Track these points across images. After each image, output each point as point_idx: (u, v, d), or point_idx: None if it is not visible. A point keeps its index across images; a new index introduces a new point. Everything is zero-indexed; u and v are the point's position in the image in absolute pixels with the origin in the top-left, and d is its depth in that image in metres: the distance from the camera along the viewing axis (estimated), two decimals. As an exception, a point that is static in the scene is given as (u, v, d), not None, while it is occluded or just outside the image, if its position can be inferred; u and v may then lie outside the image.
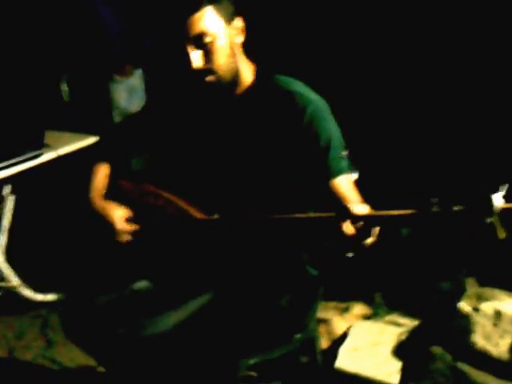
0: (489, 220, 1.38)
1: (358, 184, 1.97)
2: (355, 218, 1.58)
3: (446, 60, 3.31)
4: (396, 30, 3.38)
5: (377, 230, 1.59)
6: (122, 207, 2.13)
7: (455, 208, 1.42)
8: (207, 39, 1.85)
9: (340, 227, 1.59)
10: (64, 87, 3.90)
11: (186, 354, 1.96)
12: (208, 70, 1.88)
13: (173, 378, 1.99)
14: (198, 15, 1.84)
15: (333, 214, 1.63)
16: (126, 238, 2.10)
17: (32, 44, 3.72)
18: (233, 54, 1.91)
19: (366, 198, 1.85)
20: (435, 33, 3.29)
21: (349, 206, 1.60)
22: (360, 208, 1.60)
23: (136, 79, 3.85)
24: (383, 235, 1.60)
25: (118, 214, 2.11)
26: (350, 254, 1.63)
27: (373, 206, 1.66)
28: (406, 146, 3.43)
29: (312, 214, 1.76)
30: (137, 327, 1.95)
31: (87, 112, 3.81)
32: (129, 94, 3.81)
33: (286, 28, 3.60)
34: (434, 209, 1.44)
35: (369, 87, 3.48)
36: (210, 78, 1.89)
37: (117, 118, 3.79)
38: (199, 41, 1.85)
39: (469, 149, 3.26)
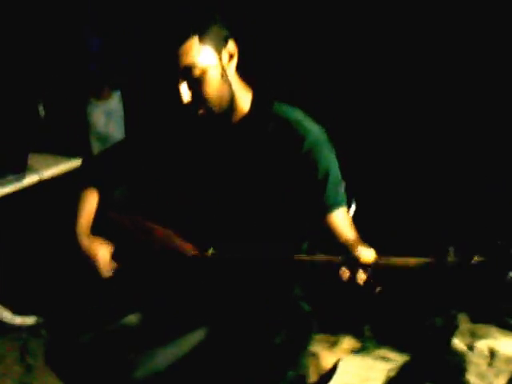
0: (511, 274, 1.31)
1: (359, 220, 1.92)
2: (362, 266, 1.51)
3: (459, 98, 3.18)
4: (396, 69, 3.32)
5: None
6: (109, 245, 2.04)
7: (475, 259, 1.35)
8: (196, 72, 1.78)
9: (345, 272, 1.53)
10: (41, 110, 3.82)
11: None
12: (199, 102, 1.82)
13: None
14: (185, 47, 1.77)
15: (337, 259, 1.56)
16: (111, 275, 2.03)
17: (11, 65, 3.65)
18: (225, 83, 1.85)
19: (366, 235, 1.81)
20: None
21: (356, 251, 1.53)
22: (366, 254, 1.54)
23: (114, 102, 3.74)
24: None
25: (104, 255, 2.02)
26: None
27: (373, 246, 1.61)
28: (415, 181, 3.27)
29: (315, 257, 1.69)
30: (126, 364, 1.87)
31: (64, 135, 3.73)
32: (107, 117, 3.69)
33: (285, 53, 3.53)
34: (451, 258, 1.37)
35: (371, 116, 3.37)
36: (201, 111, 1.83)
37: (94, 143, 3.70)
38: (188, 73, 1.78)
39: (487, 195, 3.10)
